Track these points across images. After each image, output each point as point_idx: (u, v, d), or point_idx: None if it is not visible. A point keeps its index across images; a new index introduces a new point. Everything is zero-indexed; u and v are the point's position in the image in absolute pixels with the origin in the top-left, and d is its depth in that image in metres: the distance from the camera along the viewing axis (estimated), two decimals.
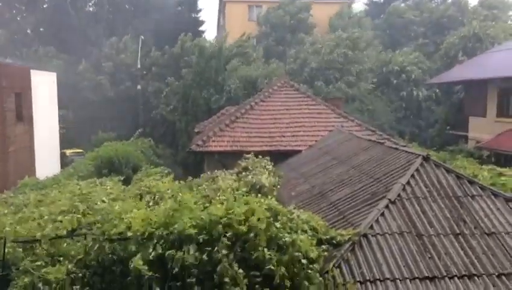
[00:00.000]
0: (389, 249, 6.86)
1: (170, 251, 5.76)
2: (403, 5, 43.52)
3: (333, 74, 30.23)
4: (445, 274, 6.46)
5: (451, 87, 32.35)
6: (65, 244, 6.30)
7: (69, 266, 5.90)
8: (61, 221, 7.30)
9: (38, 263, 5.90)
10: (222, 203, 6.65)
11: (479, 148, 23.22)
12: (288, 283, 5.88)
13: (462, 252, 6.84)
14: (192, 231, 5.92)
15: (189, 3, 44.82)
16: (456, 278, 6.42)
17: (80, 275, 5.87)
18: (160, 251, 5.80)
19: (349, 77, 30.07)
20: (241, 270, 5.75)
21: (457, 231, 7.21)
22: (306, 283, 5.97)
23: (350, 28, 34.11)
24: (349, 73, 30.41)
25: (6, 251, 6.13)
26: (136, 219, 6.45)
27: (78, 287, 5.77)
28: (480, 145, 23.50)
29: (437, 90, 32.89)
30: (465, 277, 6.44)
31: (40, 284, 5.66)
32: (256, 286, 5.78)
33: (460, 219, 7.44)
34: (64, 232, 6.60)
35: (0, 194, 14.31)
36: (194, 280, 5.70)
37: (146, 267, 5.71)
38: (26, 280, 5.69)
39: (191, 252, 5.74)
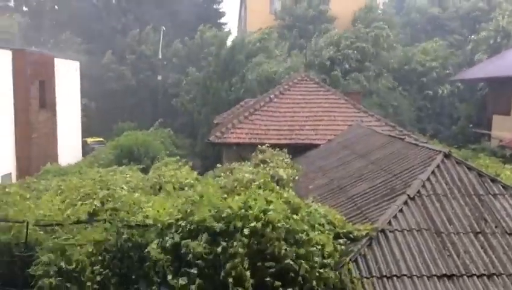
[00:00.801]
0: (407, 245, 6.80)
1: (185, 240, 5.80)
2: (424, 1, 42.69)
3: (353, 64, 29.85)
4: (464, 273, 6.38)
5: (475, 84, 31.71)
6: (85, 229, 6.43)
7: (90, 249, 6.03)
8: (81, 205, 7.44)
9: (62, 241, 6.04)
10: (239, 195, 6.68)
11: (502, 146, 22.73)
12: (302, 276, 5.88)
13: (482, 251, 6.74)
14: (212, 222, 5.95)
15: None
16: (475, 277, 6.34)
17: (100, 258, 5.99)
18: (177, 240, 5.86)
19: (368, 74, 29.69)
20: (247, 273, 5.74)
21: (478, 230, 7.10)
22: (319, 278, 5.95)
23: (375, 23, 33.56)
24: (368, 70, 30.02)
25: (28, 233, 6.29)
26: (155, 208, 6.54)
27: (98, 267, 5.88)
28: (503, 144, 23.01)
29: (460, 85, 32.20)
30: (485, 276, 6.35)
31: (62, 263, 5.80)
32: (268, 279, 5.77)
33: (481, 217, 7.32)
34: (85, 217, 6.73)
35: (24, 180, 14.65)
36: (196, 271, 5.70)
37: (161, 254, 5.77)
38: (50, 256, 5.84)
39: (202, 242, 5.76)
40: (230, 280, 5.61)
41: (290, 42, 35.66)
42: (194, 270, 5.64)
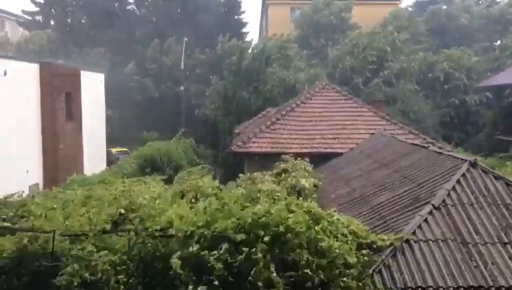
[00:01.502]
0: (433, 256, 6.67)
1: (205, 251, 5.82)
2: (444, 7, 42.14)
3: (370, 71, 29.57)
4: (491, 284, 6.22)
5: (502, 91, 31.03)
6: (110, 238, 6.52)
7: (113, 258, 6.10)
8: (106, 216, 7.55)
9: (88, 250, 6.13)
10: (261, 204, 6.67)
11: None
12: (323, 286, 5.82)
13: (510, 262, 6.55)
14: (233, 232, 5.96)
15: (232, 5, 45.34)
16: (503, 289, 6.16)
17: (124, 267, 6.05)
18: (196, 249, 5.89)
19: (386, 72, 29.22)
20: (274, 274, 5.71)
21: (506, 240, 6.92)
22: (341, 288, 5.89)
23: (403, 31, 33.25)
24: (389, 69, 29.62)
25: (55, 243, 6.41)
26: (177, 216, 6.59)
27: (122, 276, 5.94)
28: None
29: (488, 94, 31.55)
30: None
31: (86, 274, 5.89)
32: (288, 287, 5.74)
33: (509, 227, 7.13)
34: (109, 227, 6.82)
35: (50, 190, 14.96)
36: (216, 282, 5.70)
37: (180, 266, 5.78)
38: (74, 266, 5.93)
39: (222, 251, 5.76)
40: (260, 284, 5.60)
41: (310, 51, 35.66)
42: (216, 282, 5.64)
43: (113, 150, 32.34)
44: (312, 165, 14.52)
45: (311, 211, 6.89)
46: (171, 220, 6.63)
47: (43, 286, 6.22)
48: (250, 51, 32.11)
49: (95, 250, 6.26)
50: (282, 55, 31.82)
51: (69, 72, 24.90)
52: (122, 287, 5.96)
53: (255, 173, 13.73)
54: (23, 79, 20.75)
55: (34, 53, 33.05)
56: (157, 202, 8.71)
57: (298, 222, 6.08)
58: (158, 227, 6.46)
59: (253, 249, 5.82)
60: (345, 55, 30.60)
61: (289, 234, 5.91)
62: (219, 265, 5.66)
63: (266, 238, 5.89)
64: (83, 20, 43.71)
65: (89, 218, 6.90)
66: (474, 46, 36.65)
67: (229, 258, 5.76)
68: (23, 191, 8.16)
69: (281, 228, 5.91)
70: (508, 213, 7.42)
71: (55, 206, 8.99)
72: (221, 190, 11.18)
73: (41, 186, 20.75)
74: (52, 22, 44.28)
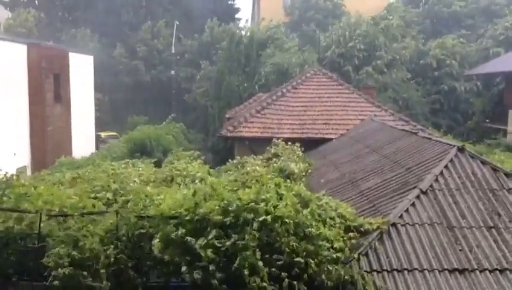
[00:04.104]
0: (419, 239, 6.74)
1: (191, 238, 5.82)
2: None
3: (362, 56, 29.40)
4: (476, 267, 6.31)
5: (491, 79, 31.20)
6: (96, 220, 6.49)
7: (102, 236, 6.09)
8: (94, 198, 7.52)
9: (74, 232, 6.12)
10: (250, 188, 6.67)
11: None
12: (310, 270, 5.86)
13: (494, 246, 6.65)
14: (219, 215, 5.96)
15: None
16: (487, 272, 6.26)
17: (112, 246, 6.04)
18: (182, 233, 5.88)
19: (378, 62, 29.14)
20: (261, 263, 5.74)
21: (491, 224, 7.00)
22: (328, 272, 5.93)
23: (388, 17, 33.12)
24: (380, 58, 29.55)
25: (42, 224, 6.37)
26: (165, 201, 6.57)
27: (111, 251, 5.93)
28: None
29: (478, 83, 31.70)
30: (497, 271, 6.27)
31: (74, 252, 5.87)
32: (274, 270, 5.77)
33: (494, 211, 7.22)
34: (97, 208, 6.80)
35: (39, 172, 14.85)
36: (214, 267, 5.73)
37: (164, 249, 5.78)
38: (62, 248, 5.92)
39: (211, 235, 5.77)
40: (246, 271, 5.63)
41: (301, 36, 35.43)
42: (213, 266, 5.66)
43: (102, 134, 32.14)
44: (302, 150, 14.55)
45: (300, 194, 6.92)
46: (158, 203, 6.62)
47: (30, 265, 6.19)
48: (242, 35, 31.77)
49: (82, 228, 6.23)
50: (273, 40, 31.57)
51: (58, 53, 24.55)
52: (112, 259, 5.96)
53: (245, 157, 13.75)
54: (11, 60, 20.41)
55: (20, 35, 32.42)
56: (146, 185, 8.70)
57: (287, 208, 6.09)
58: (146, 210, 6.45)
59: (242, 235, 5.83)
60: (335, 41, 30.36)
61: (276, 224, 5.92)
62: (208, 252, 5.67)
63: (255, 225, 5.90)
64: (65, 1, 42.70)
65: (74, 201, 6.85)
66: (465, 33, 36.70)
67: (216, 243, 5.77)
68: (7, 172, 8.04)
69: (269, 218, 5.91)
70: (494, 198, 7.50)
71: (42, 188, 8.92)
72: (210, 174, 11.20)
73: (29, 169, 20.59)
74: (36, 2, 43.23)
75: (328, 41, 31.14)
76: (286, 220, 5.98)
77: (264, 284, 5.62)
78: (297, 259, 5.83)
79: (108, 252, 5.92)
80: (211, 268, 5.68)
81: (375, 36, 29.46)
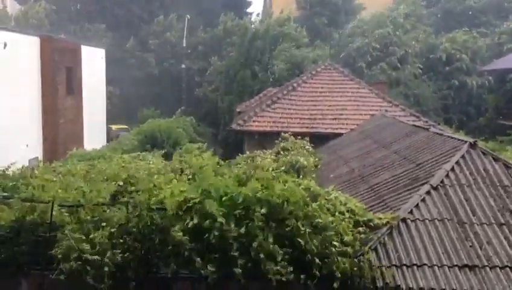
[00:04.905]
0: (428, 235, 6.69)
1: (207, 221, 5.87)
2: None
3: (375, 54, 29.32)
4: (486, 264, 6.26)
5: (505, 75, 30.78)
6: (108, 210, 6.53)
7: (111, 231, 6.13)
8: (104, 188, 7.56)
9: (86, 221, 6.17)
10: (258, 180, 6.68)
11: None
12: (319, 262, 5.88)
13: (505, 243, 6.58)
14: (228, 201, 6.01)
15: None
16: (497, 269, 6.20)
17: (121, 240, 6.08)
18: (197, 221, 5.93)
19: (392, 58, 29.03)
20: (276, 247, 5.80)
21: (502, 221, 6.93)
22: (337, 265, 5.95)
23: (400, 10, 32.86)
24: (393, 54, 29.41)
25: (53, 214, 6.43)
26: (175, 191, 6.60)
27: (119, 251, 5.98)
28: None
29: (490, 78, 31.29)
30: (508, 268, 6.21)
31: (84, 245, 5.93)
32: (284, 263, 5.82)
33: (506, 208, 7.14)
34: (108, 199, 6.84)
35: (50, 164, 15.00)
36: (236, 253, 5.79)
37: (186, 238, 5.86)
38: (70, 242, 5.97)
39: (226, 222, 5.83)
40: (262, 255, 5.68)
41: (315, 31, 35.26)
42: (235, 252, 5.74)
43: (113, 127, 32.34)
44: (312, 145, 14.53)
45: (309, 188, 6.91)
46: (169, 193, 6.65)
47: (42, 255, 6.26)
48: (256, 29, 31.64)
49: (90, 225, 6.27)
50: (282, 33, 31.45)
51: (70, 46, 24.73)
52: (118, 258, 6.00)
53: (255, 152, 13.76)
54: (24, 52, 20.59)
55: (32, 27, 32.69)
56: (155, 177, 8.73)
57: (295, 194, 6.12)
58: (155, 199, 6.49)
59: (250, 223, 5.87)
60: (352, 37, 30.30)
61: (285, 205, 5.95)
62: (215, 232, 5.72)
63: (263, 210, 5.93)
64: None
65: (85, 190, 6.90)
66: (478, 29, 36.21)
67: (233, 232, 5.84)
68: (23, 165, 8.14)
69: (278, 200, 5.95)
70: (506, 195, 7.42)
71: (54, 179, 9.02)
72: (221, 166, 11.22)
73: (41, 161, 20.79)
74: None
75: (344, 36, 31.09)
76: (296, 201, 6.00)
77: (280, 268, 5.68)
78: (305, 245, 5.85)
79: (115, 250, 5.96)
80: (231, 254, 5.74)
81: (389, 32, 29.30)
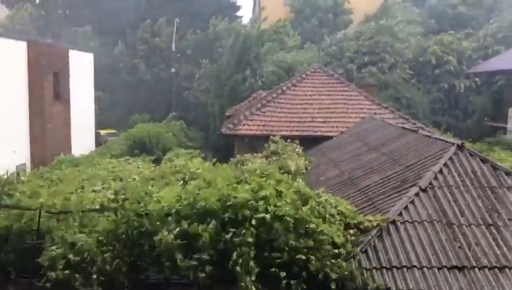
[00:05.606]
0: (418, 237, 6.74)
1: (194, 225, 5.83)
2: None
3: (369, 58, 29.55)
4: (475, 265, 6.31)
5: (492, 77, 31.13)
6: (97, 217, 6.48)
7: (100, 238, 6.07)
8: (94, 196, 7.51)
9: (70, 232, 6.09)
10: (249, 184, 6.66)
11: None
12: (311, 268, 5.87)
13: (493, 243, 6.64)
14: (217, 205, 5.98)
15: None
16: (486, 269, 6.26)
17: (110, 247, 6.03)
18: (185, 226, 5.89)
19: (383, 64, 29.35)
20: (252, 263, 5.75)
21: (490, 222, 7.00)
22: (330, 268, 5.94)
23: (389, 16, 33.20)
24: (384, 61, 29.72)
25: (41, 220, 6.36)
26: (165, 197, 6.57)
27: (108, 255, 5.92)
28: None
29: (477, 80, 31.63)
30: (496, 269, 6.27)
31: (70, 255, 5.86)
32: (273, 269, 5.79)
33: (493, 209, 7.21)
34: (97, 206, 6.79)
35: (38, 170, 14.83)
36: (207, 257, 5.74)
37: (173, 241, 5.81)
38: (57, 250, 5.90)
39: (211, 226, 5.78)
40: (238, 268, 5.63)
41: (305, 34, 35.37)
42: (205, 256, 5.67)
43: (102, 132, 32.10)
44: (302, 148, 14.54)
45: (300, 191, 6.92)
46: (158, 200, 6.61)
47: (29, 262, 6.18)
48: (248, 33, 31.63)
49: (78, 231, 6.20)
50: (277, 38, 31.52)
51: (57, 51, 24.48)
52: (108, 266, 5.94)
53: (245, 155, 13.75)
54: (10, 57, 20.37)
55: (18, 31, 32.36)
56: (146, 183, 8.69)
57: (287, 206, 6.09)
58: (146, 207, 6.44)
59: (240, 230, 5.84)
60: (349, 41, 30.53)
61: (276, 223, 5.93)
62: (206, 235, 5.68)
63: (253, 222, 5.90)
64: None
65: (73, 198, 6.83)
66: (464, 31, 36.61)
67: (215, 235, 5.79)
68: (7, 171, 8.03)
69: (268, 217, 5.92)
70: (493, 196, 7.50)
71: (42, 184, 8.93)
72: (210, 170, 11.18)
73: (28, 167, 20.56)
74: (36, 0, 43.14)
75: (336, 43, 31.29)
76: (287, 218, 5.99)
77: (253, 286, 5.63)
78: (298, 256, 5.83)
79: (105, 255, 5.90)
80: (203, 257, 5.68)
81: (380, 36, 29.57)
